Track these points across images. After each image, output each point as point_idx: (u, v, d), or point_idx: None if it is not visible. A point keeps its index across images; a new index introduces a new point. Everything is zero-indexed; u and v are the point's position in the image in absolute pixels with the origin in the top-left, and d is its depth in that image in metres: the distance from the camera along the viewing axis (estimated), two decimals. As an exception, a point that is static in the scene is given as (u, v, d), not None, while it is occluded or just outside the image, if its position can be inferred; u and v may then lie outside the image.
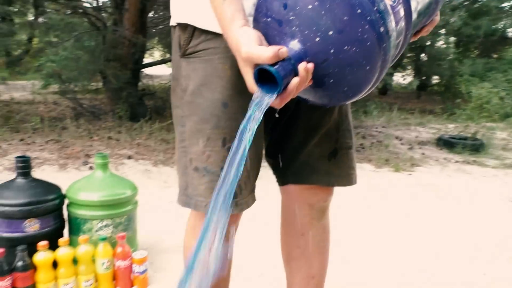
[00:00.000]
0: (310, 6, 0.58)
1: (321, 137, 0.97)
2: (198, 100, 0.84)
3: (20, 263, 1.39)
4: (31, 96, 7.38)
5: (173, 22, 0.89)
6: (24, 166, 1.54)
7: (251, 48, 0.62)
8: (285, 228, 1.11)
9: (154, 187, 2.88)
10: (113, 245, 1.57)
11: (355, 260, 1.96)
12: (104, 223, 1.57)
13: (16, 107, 6.01)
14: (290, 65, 0.59)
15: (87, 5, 7.64)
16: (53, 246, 1.47)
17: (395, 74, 10.84)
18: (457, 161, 4.44)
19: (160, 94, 6.69)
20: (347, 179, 1.00)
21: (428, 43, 9.07)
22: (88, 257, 1.50)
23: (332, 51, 0.59)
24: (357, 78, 0.63)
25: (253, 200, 0.92)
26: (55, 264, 1.47)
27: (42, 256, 1.42)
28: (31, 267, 1.41)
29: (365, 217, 2.60)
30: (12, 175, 1.88)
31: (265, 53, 0.60)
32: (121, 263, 1.54)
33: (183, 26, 0.85)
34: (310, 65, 0.62)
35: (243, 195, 0.87)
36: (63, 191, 1.64)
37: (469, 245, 2.23)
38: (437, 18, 0.86)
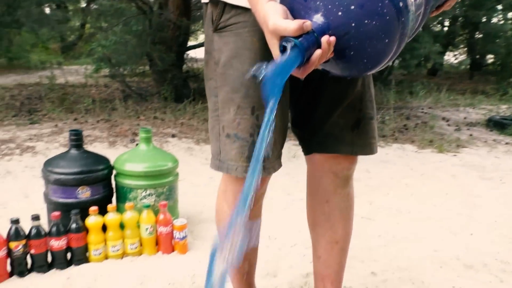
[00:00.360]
0: None
1: (345, 108, 1.01)
2: (230, 71, 0.90)
3: (74, 225, 1.55)
4: (84, 79, 7.82)
5: None
6: (77, 139, 1.70)
7: (277, 21, 0.66)
8: (311, 195, 1.16)
9: (196, 163, 3.01)
10: (156, 212, 1.69)
11: (389, 236, 2.00)
12: (148, 192, 1.70)
13: (70, 90, 6.39)
14: (313, 37, 0.63)
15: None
16: (103, 212, 1.62)
17: (447, 53, 10.29)
18: (507, 143, 4.25)
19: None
20: (369, 148, 1.04)
21: (483, 19, 8.53)
22: (133, 222, 1.64)
23: (353, 24, 0.63)
24: (376, 51, 0.66)
25: (279, 165, 0.99)
26: (104, 228, 1.62)
27: (93, 220, 1.58)
28: (83, 230, 1.57)
29: (402, 195, 2.60)
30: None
31: (290, 25, 0.64)
32: (162, 229, 1.67)
33: (215, 2, 0.92)
34: (332, 38, 0.65)
35: (270, 160, 0.94)
36: (111, 163, 1.80)
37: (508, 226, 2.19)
38: None
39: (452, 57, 10.05)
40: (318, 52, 0.65)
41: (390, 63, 0.70)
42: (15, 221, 1.46)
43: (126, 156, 1.79)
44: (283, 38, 0.65)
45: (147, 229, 1.64)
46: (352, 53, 0.66)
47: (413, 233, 2.03)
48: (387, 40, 0.64)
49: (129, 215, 1.63)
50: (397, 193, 2.64)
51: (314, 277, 1.23)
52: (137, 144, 3.40)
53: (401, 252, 1.83)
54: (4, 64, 11.16)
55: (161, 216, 1.67)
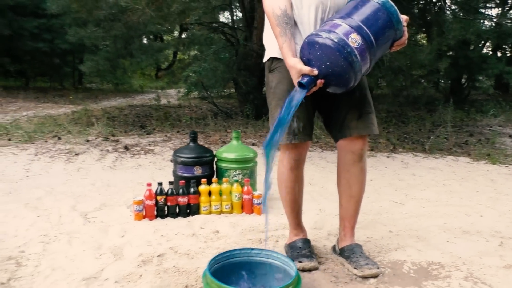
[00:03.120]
0: (318, 53, 1.49)
1: (351, 108, 1.80)
2: (277, 91, 1.78)
3: (192, 189, 2.54)
4: (177, 101, 9.22)
5: (265, 58, 1.87)
6: (194, 136, 2.74)
7: (302, 66, 1.54)
8: (339, 167, 1.91)
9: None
10: (242, 185, 2.64)
11: (411, 213, 2.67)
12: (237, 172, 2.66)
13: (170, 110, 7.74)
14: (312, 79, 1.51)
15: (224, 21, 9.09)
16: (209, 183, 2.60)
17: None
18: None
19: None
20: (369, 129, 1.78)
21: None
22: (227, 190, 2.60)
23: (330, 70, 1.49)
24: (344, 81, 1.52)
25: (308, 139, 1.81)
26: (209, 193, 2.59)
27: (203, 187, 2.56)
28: (197, 193, 2.55)
29: (436, 190, 3.19)
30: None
31: (307, 69, 1.53)
32: (246, 197, 2.60)
33: (269, 58, 1.84)
34: (322, 81, 1.52)
35: (301, 134, 1.77)
36: (214, 153, 2.81)
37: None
38: (404, 38, 1.65)
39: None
40: (315, 88, 1.54)
41: (355, 84, 1.60)
42: (160, 184, 2.50)
43: (224, 149, 2.77)
44: (300, 76, 1.54)
45: (236, 196, 2.58)
46: (333, 82, 1.55)
47: (433, 212, 2.73)
48: (347, 76, 1.51)
49: (225, 186, 2.59)
50: (433, 189, 3.31)
51: (339, 218, 2.00)
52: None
53: (417, 222, 2.54)
54: (111, 88, 13.33)
55: (245, 188, 2.60)
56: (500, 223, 2.52)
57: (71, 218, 2.42)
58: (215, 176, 2.72)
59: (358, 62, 1.49)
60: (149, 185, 2.49)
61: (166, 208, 2.51)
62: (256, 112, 6.47)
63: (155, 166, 3.72)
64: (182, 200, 2.50)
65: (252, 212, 2.60)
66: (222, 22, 8.60)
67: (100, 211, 2.57)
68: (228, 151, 2.73)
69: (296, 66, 1.54)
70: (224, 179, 2.62)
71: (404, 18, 1.65)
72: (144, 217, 2.46)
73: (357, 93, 1.80)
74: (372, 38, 1.50)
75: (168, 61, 17.52)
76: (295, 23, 1.71)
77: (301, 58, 1.60)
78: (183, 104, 9.01)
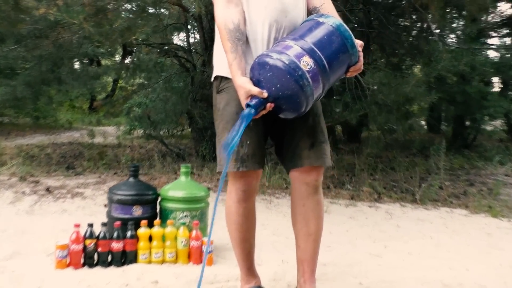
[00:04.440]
0: (268, 75, 1.77)
1: (303, 136, 2.07)
2: (225, 113, 2.04)
3: (129, 233, 2.73)
4: (116, 140, 9.38)
5: (213, 77, 2.15)
6: (134, 170, 2.97)
7: (251, 87, 1.80)
8: (293, 201, 2.16)
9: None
10: (190, 229, 2.84)
11: (386, 264, 2.92)
12: (184, 213, 2.89)
13: (106, 149, 7.90)
14: (260, 101, 1.77)
15: (179, 43, 9.44)
16: (150, 226, 2.80)
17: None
18: None
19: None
20: (321, 160, 2.05)
21: None
22: (172, 235, 2.81)
23: (280, 93, 1.77)
24: (294, 105, 1.80)
25: (260, 167, 2.05)
26: (150, 239, 2.79)
27: (143, 230, 2.77)
28: (135, 237, 2.75)
29: (421, 242, 3.48)
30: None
31: (256, 90, 1.79)
32: (194, 243, 2.81)
33: (216, 78, 2.11)
34: (271, 105, 1.80)
35: (250, 161, 1.99)
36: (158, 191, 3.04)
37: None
38: (360, 64, 1.97)
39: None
40: (263, 111, 1.80)
41: (307, 109, 1.84)
42: (91, 225, 2.69)
43: (170, 186, 3.02)
44: (249, 97, 1.80)
45: (182, 242, 2.79)
46: (284, 106, 1.83)
47: (412, 264, 3.00)
48: (298, 100, 1.79)
49: (169, 229, 2.80)
50: (417, 241, 3.60)
51: (297, 262, 2.22)
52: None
53: (392, 274, 2.80)
54: (29, 123, 13.31)
55: (193, 233, 2.82)
56: (487, 277, 2.82)
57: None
58: (158, 218, 2.92)
59: (309, 86, 1.76)
60: (77, 226, 2.66)
61: (96, 255, 2.68)
62: (214, 151, 6.65)
63: (84, 211, 3.91)
64: (117, 245, 2.68)
65: (201, 262, 2.79)
66: (176, 44, 8.94)
67: (12, 260, 2.70)
68: (175, 188, 2.96)
69: (245, 86, 1.80)
70: (168, 221, 2.82)
71: (359, 43, 1.93)
72: (68, 265, 2.62)
73: (310, 119, 2.08)
74: (325, 62, 1.79)
75: (106, 90, 17.35)
76: (247, 40, 2.01)
77: (251, 79, 1.86)
78: (124, 143, 9.18)
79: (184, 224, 2.85)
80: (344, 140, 9.85)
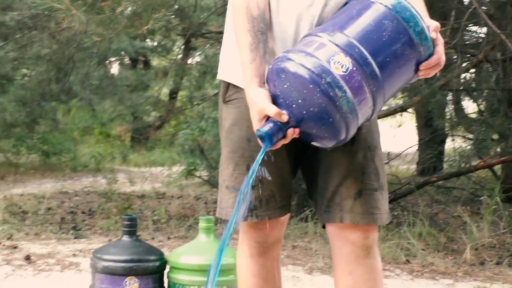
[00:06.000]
0: (285, 86, 1.52)
1: (346, 179, 1.72)
2: (231, 136, 1.77)
3: None
4: (165, 187, 8.25)
5: (218, 76, 1.84)
6: (130, 224, 2.42)
7: (264, 102, 1.52)
8: (335, 268, 1.79)
9: None
10: None
11: None
12: None
13: (136, 200, 7.16)
14: (279, 127, 1.54)
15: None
16: None
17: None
18: None
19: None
20: (371, 217, 1.73)
21: None
22: None
23: (304, 113, 1.49)
24: (328, 128, 1.50)
25: (280, 214, 1.79)
26: None
27: None
28: None
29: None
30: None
31: (272, 109, 1.50)
32: None
33: (224, 81, 1.77)
34: (295, 131, 1.54)
35: (263, 208, 1.76)
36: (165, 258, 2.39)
37: None
38: (437, 57, 1.60)
39: None
40: (284, 140, 1.55)
41: (349, 134, 1.60)
42: None
43: (183, 249, 2.41)
44: (264, 119, 1.54)
45: None
46: (313, 132, 1.55)
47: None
48: (330, 120, 1.49)
49: None
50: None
51: None
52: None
53: None
54: (36, 163, 11.01)
55: None
56: None
57: None
58: None
59: (345, 98, 1.49)
60: None
61: None
62: (299, 201, 6.00)
63: None
64: None
65: None
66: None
67: None
68: (190, 252, 2.43)
69: (259, 104, 1.56)
70: None
71: (432, 25, 1.60)
72: None
73: (360, 154, 1.77)
74: (371, 60, 1.53)
75: (158, 108, 10.58)
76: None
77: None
78: (171, 191, 8.15)
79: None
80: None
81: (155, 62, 12.84)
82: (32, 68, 6.09)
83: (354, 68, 1.52)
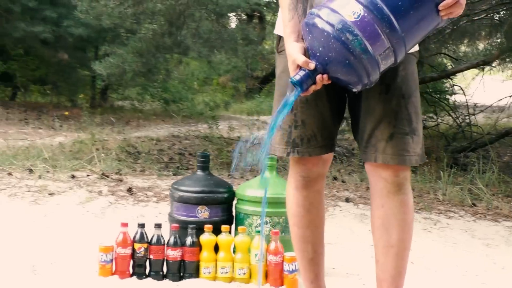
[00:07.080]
0: (309, 37, 1.72)
1: (380, 122, 1.89)
2: (280, 81, 1.98)
3: (189, 240, 2.48)
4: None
5: (275, 32, 2.04)
6: (204, 161, 2.74)
7: (296, 53, 1.74)
8: (371, 201, 1.98)
9: (359, 229, 3.86)
10: (268, 241, 2.51)
11: None
12: (264, 219, 2.55)
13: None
14: (308, 74, 1.73)
15: None
16: (217, 232, 2.54)
17: None
18: None
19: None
20: (401, 158, 1.89)
21: None
22: (244, 246, 2.49)
23: (326, 59, 1.67)
24: (349, 70, 1.66)
25: (321, 153, 1.99)
26: (216, 249, 2.56)
27: (206, 237, 2.48)
28: (197, 245, 2.49)
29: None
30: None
31: (301, 58, 1.71)
32: (273, 258, 2.47)
33: (277, 34, 2.01)
34: (324, 77, 1.72)
35: (304, 146, 1.97)
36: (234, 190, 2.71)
37: None
38: None
39: None
40: (315, 86, 1.73)
41: (372, 78, 1.73)
42: (141, 225, 2.48)
43: (249, 183, 2.72)
44: (297, 69, 1.73)
45: (256, 255, 2.47)
46: (339, 76, 1.71)
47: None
48: (347, 62, 1.64)
49: (240, 238, 2.50)
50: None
51: (376, 282, 2.00)
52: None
53: None
54: (158, 110, 12.74)
55: (272, 245, 2.50)
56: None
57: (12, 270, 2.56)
58: (232, 224, 2.72)
59: (357, 40, 1.63)
60: (125, 225, 2.53)
61: (147, 263, 2.54)
62: None
63: (165, 218, 4.03)
64: (173, 253, 2.53)
65: (282, 284, 2.53)
66: None
67: (56, 264, 2.77)
68: (255, 186, 2.72)
69: (292, 55, 1.77)
70: (240, 228, 2.59)
71: None
72: (114, 273, 2.54)
73: (394, 101, 1.94)
74: (382, 4, 1.64)
75: (271, 62, 12.62)
76: None
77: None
78: None
79: (258, 232, 2.60)
80: None
81: (268, 17, 13.19)
82: (148, 22, 6.64)
83: (365, 14, 1.66)
